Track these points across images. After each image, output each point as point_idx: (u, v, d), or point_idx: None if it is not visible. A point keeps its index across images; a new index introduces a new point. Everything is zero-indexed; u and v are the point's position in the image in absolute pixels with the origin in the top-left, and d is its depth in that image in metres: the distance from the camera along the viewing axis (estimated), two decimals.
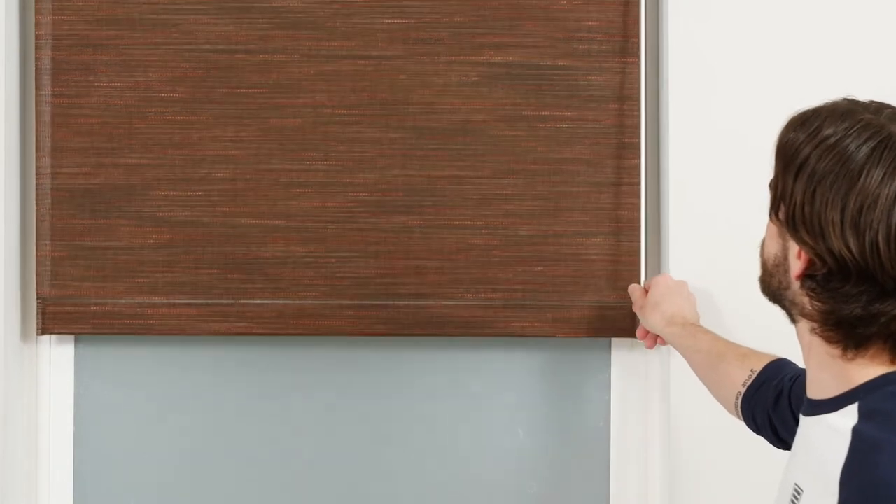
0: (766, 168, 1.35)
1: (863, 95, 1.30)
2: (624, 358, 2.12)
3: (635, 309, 1.98)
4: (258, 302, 2.06)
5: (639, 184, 2.06)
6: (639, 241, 2.06)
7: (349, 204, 2.06)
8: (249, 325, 2.06)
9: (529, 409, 2.14)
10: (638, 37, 2.05)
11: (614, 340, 2.11)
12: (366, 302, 2.06)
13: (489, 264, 2.06)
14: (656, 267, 2.08)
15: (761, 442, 1.66)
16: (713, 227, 2.01)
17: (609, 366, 2.13)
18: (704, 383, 1.79)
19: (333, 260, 2.06)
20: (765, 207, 1.33)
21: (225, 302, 2.06)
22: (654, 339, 1.96)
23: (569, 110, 2.06)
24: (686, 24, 2.02)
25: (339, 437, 2.14)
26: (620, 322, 2.06)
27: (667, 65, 2.03)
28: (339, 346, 2.12)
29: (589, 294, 2.06)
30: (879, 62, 2.01)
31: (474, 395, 2.14)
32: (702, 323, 1.91)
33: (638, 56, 2.05)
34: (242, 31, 2.06)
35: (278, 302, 2.06)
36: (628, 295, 2.04)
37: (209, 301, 2.06)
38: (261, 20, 2.06)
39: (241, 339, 2.10)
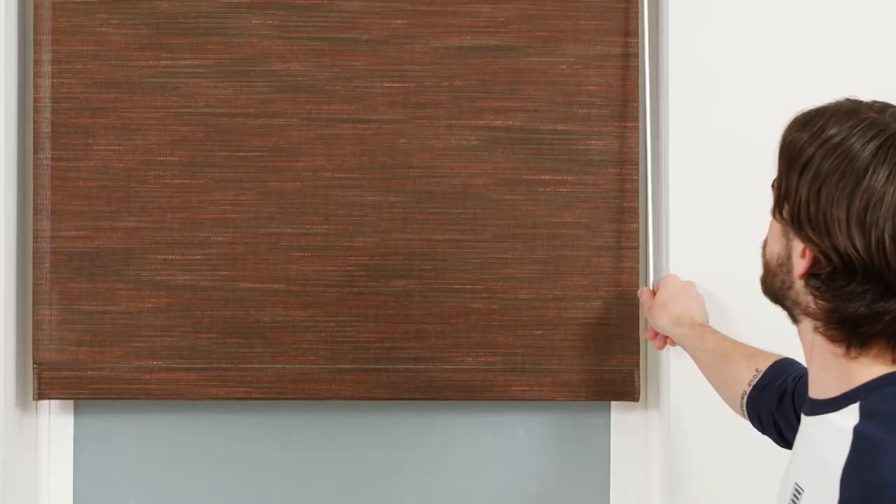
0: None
1: (863, 98, 1.30)
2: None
3: (643, 310, 1.98)
4: (257, 366, 2.05)
5: (637, 248, 2.06)
6: (638, 305, 2.06)
7: (349, 268, 2.06)
8: (248, 389, 2.05)
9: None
10: (637, 101, 2.06)
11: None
12: (365, 366, 2.05)
13: (489, 328, 2.06)
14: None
15: (761, 443, 1.66)
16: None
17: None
18: (711, 383, 1.79)
19: (333, 324, 2.06)
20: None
21: (224, 366, 2.05)
22: (664, 340, 1.96)
23: (568, 174, 2.07)
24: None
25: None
26: (620, 385, 2.06)
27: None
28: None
29: (588, 357, 2.06)
30: (879, 64, 2.02)
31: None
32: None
33: (637, 120, 2.06)
34: (242, 95, 2.06)
35: (277, 366, 2.05)
36: (627, 359, 2.04)
37: (208, 365, 2.05)
38: (260, 83, 2.06)
39: (241, 405, 2.10)
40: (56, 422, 2.12)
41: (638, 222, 2.07)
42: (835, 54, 2.03)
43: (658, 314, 1.92)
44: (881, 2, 2.03)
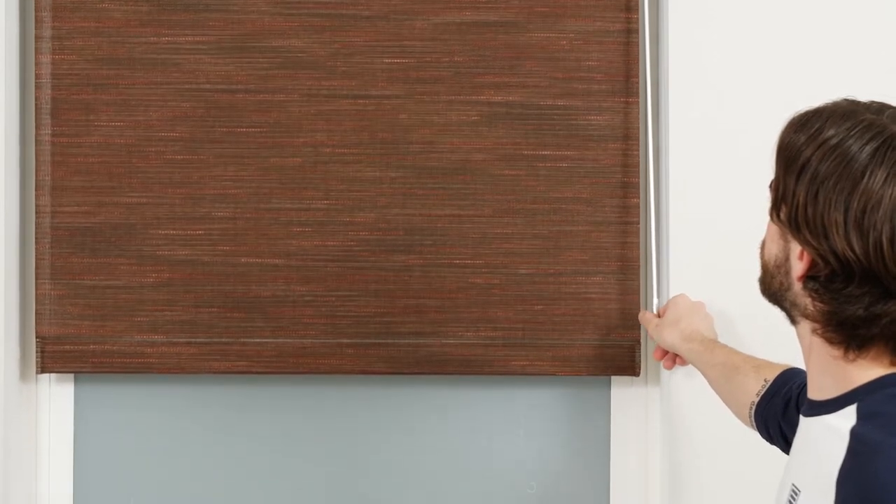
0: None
1: (862, 97, 1.29)
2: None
3: (650, 329, 1.98)
4: (258, 340, 2.06)
5: (639, 223, 2.06)
6: (639, 280, 2.06)
7: (349, 243, 2.06)
8: (249, 363, 2.06)
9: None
10: (637, 76, 2.06)
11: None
12: (365, 340, 2.06)
13: (489, 303, 2.06)
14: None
15: (761, 444, 1.66)
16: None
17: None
18: (721, 397, 1.79)
19: (333, 299, 2.06)
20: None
21: (224, 340, 2.06)
22: (673, 360, 1.96)
23: (569, 149, 2.07)
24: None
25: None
26: (620, 360, 2.06)
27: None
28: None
29: (589, 332, 2.07)
30: (878, 63, 2.02)
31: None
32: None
33: (638, 95, 2.06)
34: (243, 71, 2.06)
35: (278, 340, 2.06)
36: (628, 334, 2.04)
37: (209, 340, 2.06)
38: (261, 60, 2.06)
39: (241, 378, 2.10)
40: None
41: (639, 197, 2.07)
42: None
43: (667, 332, 1.92)
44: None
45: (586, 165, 2.07)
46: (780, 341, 1.62)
